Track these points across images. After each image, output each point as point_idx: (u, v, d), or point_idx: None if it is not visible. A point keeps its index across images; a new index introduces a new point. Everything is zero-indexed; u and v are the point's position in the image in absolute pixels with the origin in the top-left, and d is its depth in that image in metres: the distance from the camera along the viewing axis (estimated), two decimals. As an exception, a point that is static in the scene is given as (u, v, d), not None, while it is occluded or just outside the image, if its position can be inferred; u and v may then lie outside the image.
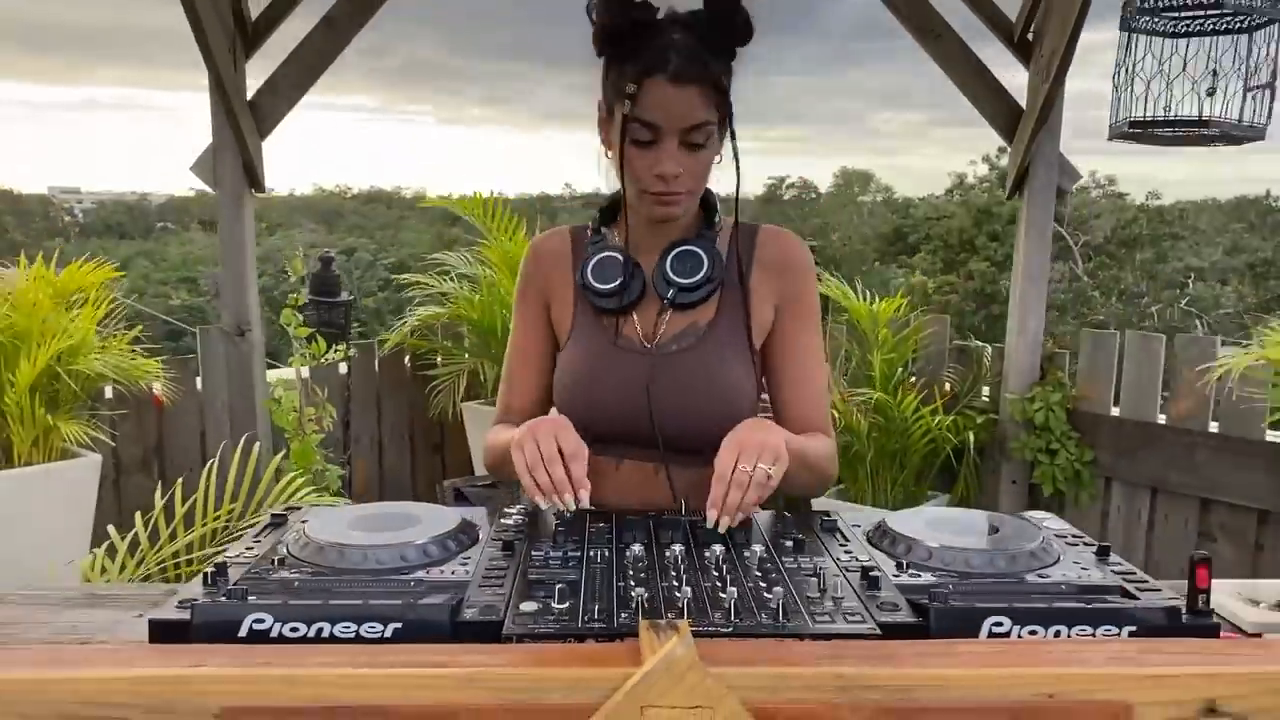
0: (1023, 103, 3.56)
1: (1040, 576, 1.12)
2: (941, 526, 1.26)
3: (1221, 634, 1.11)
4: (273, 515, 1.33)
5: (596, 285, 1.47)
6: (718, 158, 1.43)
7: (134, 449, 3.68)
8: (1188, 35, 2.83)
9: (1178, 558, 3.38)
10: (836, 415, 3.63)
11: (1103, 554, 1.21)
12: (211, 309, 19.71)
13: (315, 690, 0.78)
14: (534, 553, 1.17)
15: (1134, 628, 1.00)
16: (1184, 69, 2.67)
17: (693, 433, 1.43)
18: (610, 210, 1.55)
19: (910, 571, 1.14)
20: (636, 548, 1.16)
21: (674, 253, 1.48)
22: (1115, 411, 3.49)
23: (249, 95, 3.49)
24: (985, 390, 3.92)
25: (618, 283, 1.46)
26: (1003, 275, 18.26)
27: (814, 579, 1.10)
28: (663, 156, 1.37)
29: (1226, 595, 1.39)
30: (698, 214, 1.52)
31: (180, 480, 2.39)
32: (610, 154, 1.46)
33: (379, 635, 0.96)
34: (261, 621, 0.97)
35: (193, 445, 3.86)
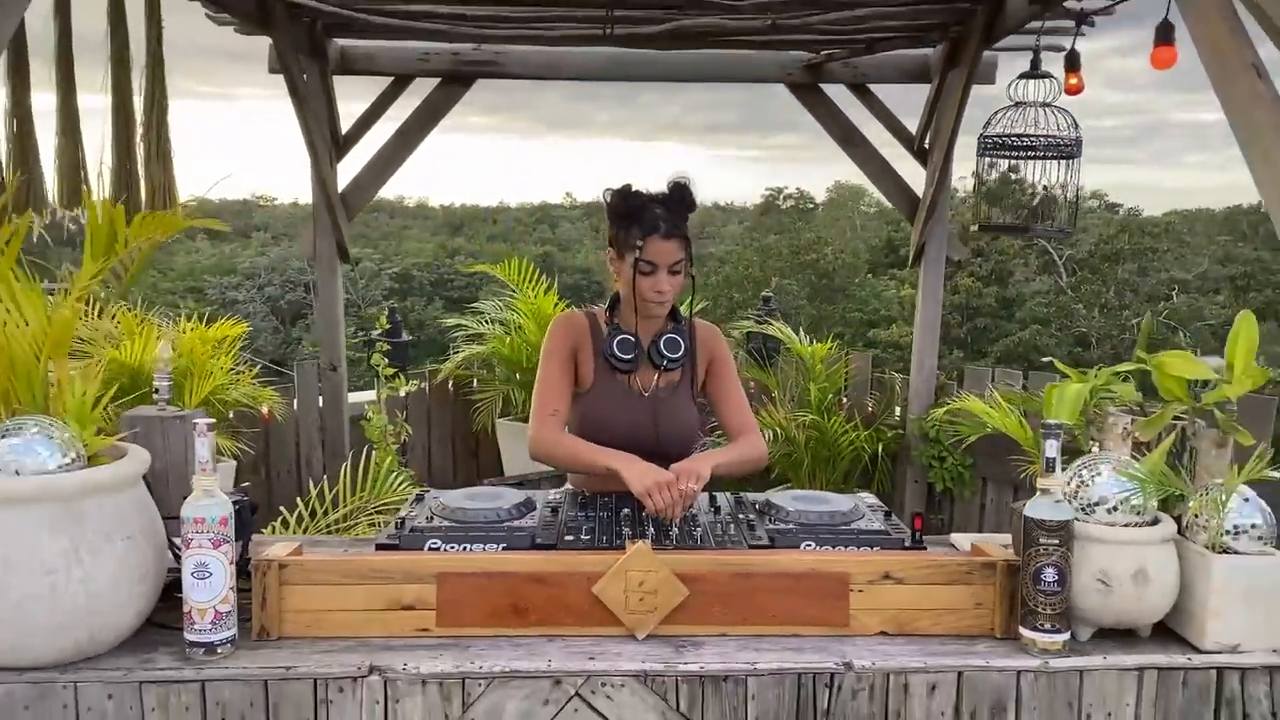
0: (919, 194, 4.39)
1: (844, 524, 1.93)
2: (802, 499, 2.08)
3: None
4: (417, 494, 2.14)
5: (619, 355, 2.26)
6: (687, 276, 2.25)
7: (248, 454, 4.49)
8: (1026, 158, 3.66)
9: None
10: (779, 430, 4.44)
11: (888, 516, 2.02)
12: (221, 315, 20.14)
13: (479, 565, 1.60)
14: (569, 513, 1.98)
15: (879, 547, 1.82)
16: (1012, 190, 3.50)
17: (674, 446, 2.24)
18: (613, 306, 2.36)
19: (777, 521, 1.95)
20: (626, 510, 1.97)
21: (664, 339, 2.29)
22: (989, 429, 4.28)
23: (340, 189, 4.31)
24: (897, 410, 4.73)
25: (631, 356, 2.27)
26: (987, 289, 18.16)
27: (719, 525, 1.91)
28: (659, 281, 2.19)
29: (966, 539, 2.20)
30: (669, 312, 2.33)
31: (308, 478, 3.17)
32: (619, 278, 2.27)
33: (494, 551, 1.78)
34: (435, 544, 1.78)
35: (290, 451, 4.67)
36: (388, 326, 4.40)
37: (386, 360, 4.22)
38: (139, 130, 2.49)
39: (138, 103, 2.54)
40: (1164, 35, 2.50)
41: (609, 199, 2.23)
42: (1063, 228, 3.55)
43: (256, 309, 21.16)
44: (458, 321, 5.29)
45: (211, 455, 1.51)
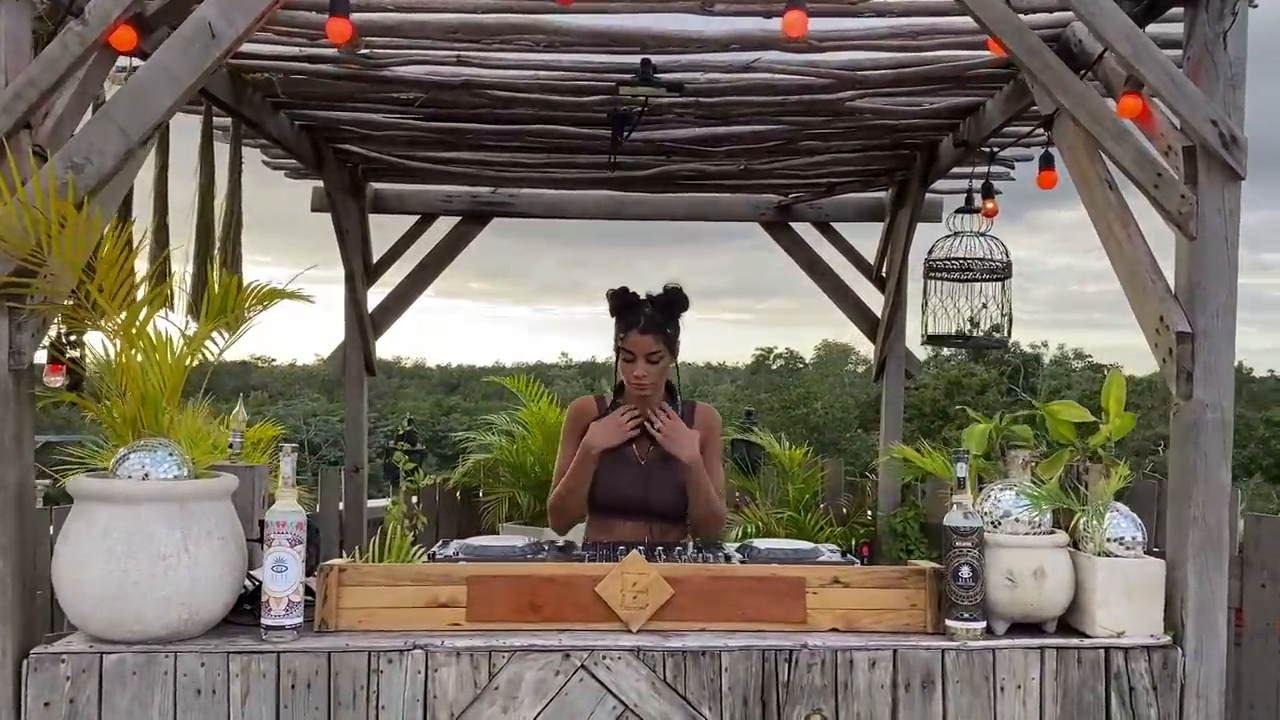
0: (878, 314, 4.83)
1: (807, 558, 2.22)
2: (773, 543, 2.38)
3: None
4: (442, 541, 2.43)
5: None
6: (672, 365, 2.60)
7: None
8: (964, 280, 4.11)
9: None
10: (761, 524, 4.70)
11: (844, 555, 2.32)
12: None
13: (497, 572, 1.89)
14: (574, 550, 2.27)
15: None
16: (951, 306, 3.95)
17: (665, 505, 2.53)
18: (618, 390, 2.70)
19: (752, 554, 2.24)
20: (621, 549, 2.26)
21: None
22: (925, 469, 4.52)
23: (369, 310, 4.73)
24: (869, 512, 5.01)
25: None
26: (975, 443, 18.30)
27: (703, 558, 2.20)
28: (637, 368, 2.53)
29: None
30: (664, 394, 2.67)
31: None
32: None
33: (513, 570, 2.06)
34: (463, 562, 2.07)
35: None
36: (409, 429, 4.73)
37: (407, 457, 4.53)
38: (217, 244, 2.90)
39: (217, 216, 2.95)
40: (1046, 163, 3.06)
41: (608, 297, 2.62)
42: (1000, 339, 3.96)
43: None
44: (465, 435, 5.61)
45: (293, 472, 1.83)
